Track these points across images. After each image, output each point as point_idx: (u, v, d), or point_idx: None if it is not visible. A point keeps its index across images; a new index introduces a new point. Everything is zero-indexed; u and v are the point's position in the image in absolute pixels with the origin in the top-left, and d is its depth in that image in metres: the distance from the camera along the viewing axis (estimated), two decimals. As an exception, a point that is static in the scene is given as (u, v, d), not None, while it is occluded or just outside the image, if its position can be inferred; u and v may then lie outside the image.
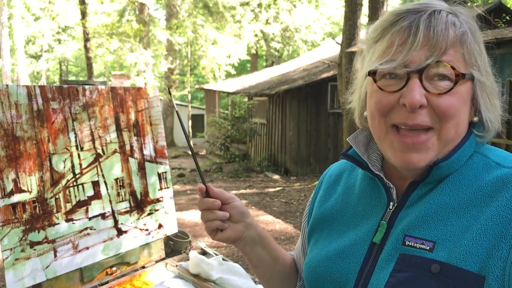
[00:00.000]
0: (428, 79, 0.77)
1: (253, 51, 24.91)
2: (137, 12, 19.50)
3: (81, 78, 44.49)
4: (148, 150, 1.66)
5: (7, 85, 1.27)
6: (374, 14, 10.79)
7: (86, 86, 1.48)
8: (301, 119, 13.90)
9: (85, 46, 13.61)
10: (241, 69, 30.94)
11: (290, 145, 13.86)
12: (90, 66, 13.56)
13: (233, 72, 21.12)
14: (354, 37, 10.65)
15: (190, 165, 16.25)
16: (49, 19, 22.80)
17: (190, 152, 18.72)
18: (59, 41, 30.16)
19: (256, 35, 20.28)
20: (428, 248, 0.76)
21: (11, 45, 30.65)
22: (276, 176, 13.36)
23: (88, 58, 13.61)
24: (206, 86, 20.04)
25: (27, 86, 1.32)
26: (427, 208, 0.80)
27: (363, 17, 11.98)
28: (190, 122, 21.54)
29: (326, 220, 0.98)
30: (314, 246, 0.98)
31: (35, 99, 1.34)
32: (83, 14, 13.08)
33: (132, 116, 1.61)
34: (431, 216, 0.79)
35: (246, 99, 15.67)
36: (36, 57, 34.56)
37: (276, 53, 23.86)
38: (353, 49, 9.96)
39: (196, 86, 23.15)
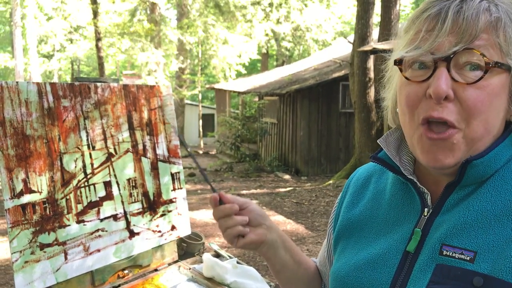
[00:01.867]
0: (458, 68, 0.72)
1: (264, 51, 24.86)
2: (148, 12, 19.55)
3: (92, 78, 44.65)
4: (161, 150, 1.62)
5: (17, 82, 1.23)
6: (386, 12, 10.68)
7: (98, 84, 1.44)
8: (312, 118, 13.81)
9: (96, 45, 13.65)
10: (252, 68, 30.91)
11: (301, 145, 13.79)
12: (101, 66, 13.60)
13: (243, 71, 21.08)
14: (367, 36, 10.55)
15: (200, 164, 16.22)
16: (61, 18, 22.95)
17: (201, 152, 18.63)
18: (71, 40, 30.37)
19: (267, 35, 20.22)
20: (468, 258, 0.70)
21: (24, 45, 30.93)
22: (286, 176, 13.30)
23: (100, 58, 13.66)
24: (216, 86, 20.03)
25: (37, 83, 1.28)
26: (466, 214, 0.74)
27: (375, 16, 11.85)
28: (200, 121, 21.55)
29: (354, 227, 0.92)
30: (341, 254, 0.92)
31: (45, 97, 1.30)
32: (95, 14, 13.12)
33: (145, 115, 1.57)
34: (471, 223, 0.73)
35: (256, 99, 15.62)
36: (48, 56, 34.85)
37: (287, 53, 23.77)
38: (365, 48, 9.86)
39: (207, 86, 23.15)
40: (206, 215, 7.82)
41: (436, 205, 0.79)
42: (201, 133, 21.48)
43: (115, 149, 1.47)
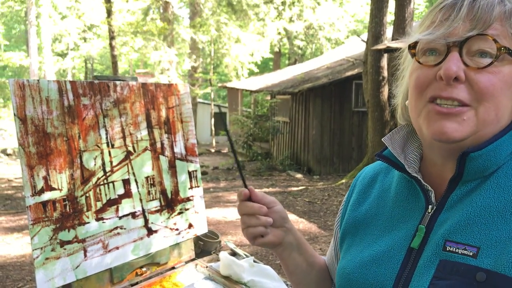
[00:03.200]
0: (470, 55, 0.73)
1: (276, 49, 24.82)
2: (161, 11, 19.63)
3: (105, 76, 45.00)
4: (179, 148, 1.62)
5: (38, 80, 1.23)
6: (400, 11, 10.58)
7: (117, 82, 1.44)
8: (324, 117, 13.76)
9: (110, 44, 13.74)
10: (264, 67, 30.88)
11: (313, 144, 13.74)
12: (115, 64, 13.69)
13: (256, 70, 21.07)
14: (380, 35, 10.47)
15: (212, 162, 16.28)
16: (75, 17, 23.15)
17: (213, 150, 18.67)
18: (85, 39, 30.63)
19: (279, 33, 20.17)
20: (471, 254, 0.70)
21: (38, 44, 31.29)
22: (299, 175, 13.27)
23: (113, 56, 13.74)
24: (229, 85, 20.05)
25: (58, 81, 1.28)
26: (469, 210, 0.74)
27: (389, 15, 11.72)
28: (212, 120, 21.59)
29: (360, 224, 0.93)
30: (347, 251, 0.93)
31: (66, 95, 1.30)
32: (109, 13, 13.21)
33: (163, 113, 1.57)
34: (474, 219, 0.73)
35: (268, 97, 15.60)
36: (62, 55, 35.20)
37: (299, 51, 23.70)
38: (379, 47, 9.78)
39: (219, 84, 23.18)
40: (218, 213, 7.84)
41: (440, 202, 0.79)
42: (213, 132, 21.53)
43: (133, 147, 1.47)
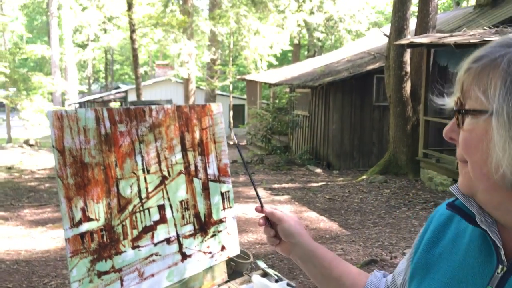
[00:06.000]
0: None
1: (296, 41, 24.61)
2: (180, 2, 19.60)
3: (125, 67, 45.49)
4: (212, 169, 1.59)
5: (76, 110, 1.22)
6: (424, 5, 10.35)
7: (153, 106, 1.42)
8: (345, 112, 13.63)
9: (131, 37, 13.76)
10: (283, 59, 30.69)
11: (333, 139, 13.64)
12: (136, 57, 13.73)
13: (275, 62, 20.94)
14: (404, 29, 10.27)
15: (231, 156, 16.27)
16: (96, 9, 23.30)
17: (231, 143, 18.77)
18: (105, 30, 30.83)
19: (299, 25, 19.97)
20: None
21: (59, 35, 31.64)
22: (318, 170, 13.19)
23: (134, 50, 13.77)
24: (247, 77, 19.98)
25: (95, 110, 1.27)
26: None
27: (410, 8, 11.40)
28: (231, 112, 21.58)
29: (431, 267, 0.90)
30: None
31: (103, 123, 1.28)
32: (129, 6, 13.22)
33: (197, 135, 1.54)
34: None
35: (287, 89, 15.51)
36: (83, 46, 35.55)
37: (319, 43, 23.46)
38: (402, 41, 9.59)
39: (238, 77, 23.11)
40: (238, 210, 7.82)
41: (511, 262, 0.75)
42: (232, 124, 21.54)
43: (168, 172, 1.45)
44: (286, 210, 1.20)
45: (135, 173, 1.35)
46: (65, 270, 5.22)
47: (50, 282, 4.92)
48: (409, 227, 6.96)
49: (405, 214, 7.68)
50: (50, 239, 6.50)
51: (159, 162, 1.43)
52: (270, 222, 1.17)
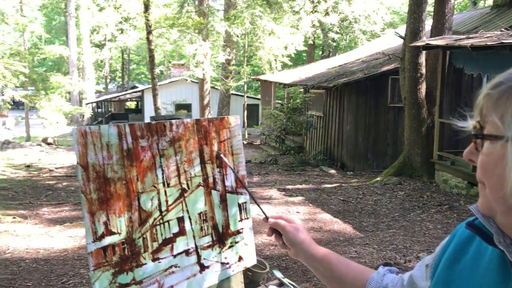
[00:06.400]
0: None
1: (310, 42, 24.55)
2: (196, 3, 19.70)
3: (142, 67, 45.87)
4: (230, 181, 1.62)
5: (99, 127, 1.26)
6: (440, 7, 10.24)
7: (173, 121, 1.46)
8: (359, 113, 13.58)
9: (147, 38, 13.88)
10: (297, 58, 30.63)
11: (347, 140, 13.60)
12: (152, 58, 13.83)
13: (289, 63, 20.92)
14: (419, 31, 10.17)
15: (245, 155, 16.35)
16: (113, 10, 23.53)
17: (245, 142, 18.69)
18: (122, 30, 31.10)
19: (313, 26, 19.92)
20: None
21: (77, 35, 32.03)
22: (332, 171, 13.16)
23: (151, 50, 13.88)
24: (262, 77, 20.01)
25: (117, 126, 1.30)
26: None
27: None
28: (245, 112, 21.63)
29: (450, 284, 0.92)
30: None
31: (125, 138, 1.32)
32: (146, 7, 13.34)
33: (215, 148, 1.58)
34: None
35: (301, 89, 15.49)
36: (100, 46, 35.93)
37: (333, 44, 23.36)
38: (417, 43, 9.52)
39: (252, 77, 23.14)
40: (252, 211, 7.85)
41: None
42: (246, 124, 21.59)
43: (187, 185, 1.48)
44: (292, 216, 1.32)
45: (155, 187, 1.39)
46: (83, 269, 5.31)
47: (68, 281, 5.01)
48: (424, 230, 6.92)
49: (419, 217, 7.64)
50: (68, 238, 6.61)
51: (179, 175, 1.47)
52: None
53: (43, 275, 5.15)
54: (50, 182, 11.97)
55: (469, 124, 0.84)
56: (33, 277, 5.09)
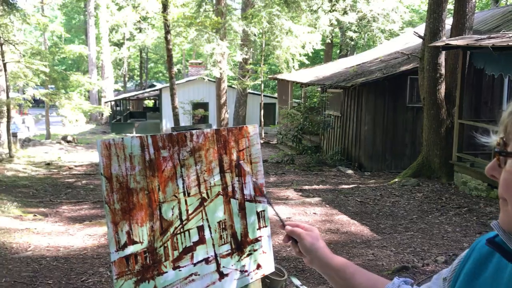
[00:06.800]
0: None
1: (328, 40, 24.42)
2: (214, 2, 19.77)
3: (160, 66, 46.26)
4: (248, 190, 1.64)
5: (122, 139, 1.29)
6: (461, 6, 10.09)
7: (193, 131, 1.48)
8: (377, 113, 13.46)
9: (165, 38, 13.99)
10: (314, 57, 30.52)
11: (365, 140, 13.50)
12: (170, 58, 13.93)
13: (306, 62, 20.85)
14: (439, 31, 10.04)
15: (262, 155, 16.37)
16: (132, 10, 23.78)
17: (262, 141, 18.70)
18: (140, 29, 31.41)
19: (331, 24, 19.82)
20: None
21: (96, 34, 32.47)
22: (349, 171, 13.09)
23: (169, 50, 13.98)
24: (279, 76, 19.99)
25: (140, 137, 1.33)
26: None
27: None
28: (262, 111, 21.65)
29: None
30: None
31: (147, 149, 1.35)
32: (165, 7, 13.44)
33: (234, 157, 1.60)
34: None
35: (319, 88, 15.43)
36: (119, 44, 36.34)
37: (352, 42, 23.20)
38: (437, 43, 9.40)
39: (269, 76, 23.14)
40: (269, 212, 7.87)
41: None
42: (262, 122, 21.62)
43: (207, 194, 1.51)
44: (309, 225, 1.33)
45: (176, 196, 1.41)
46: (102, 268, 5.40)
47: (87, 280, 5.10)
48: (442, 233, 6.85)
49: (437, 220, 7.55)
50: (87, 237, 6.72)
51: (199, 185, 1.49)
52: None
53: (63, 273, 5.25)
54: (70, 180, 12.17)
55: (493, 140, 0.84)
56: (54, 275, 5.19)
